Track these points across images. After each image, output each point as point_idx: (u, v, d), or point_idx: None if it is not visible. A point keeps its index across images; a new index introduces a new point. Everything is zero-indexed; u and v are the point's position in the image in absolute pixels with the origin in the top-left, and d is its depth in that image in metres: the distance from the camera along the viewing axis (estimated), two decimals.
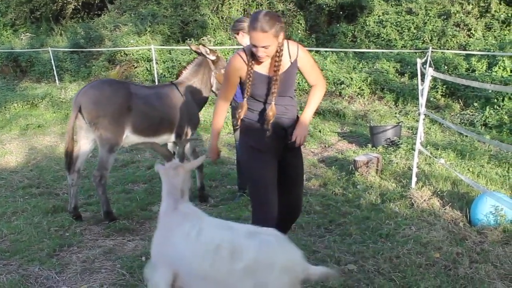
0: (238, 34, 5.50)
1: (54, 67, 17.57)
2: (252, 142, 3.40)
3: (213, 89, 5.99)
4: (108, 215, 5.30)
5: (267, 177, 3.45)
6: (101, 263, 4.36)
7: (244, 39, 5.48)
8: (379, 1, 17.02)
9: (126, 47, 17.40)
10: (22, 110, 13.54)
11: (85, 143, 5.42)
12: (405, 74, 13.60)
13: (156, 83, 14.49)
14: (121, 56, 17.64)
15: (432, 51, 12.74)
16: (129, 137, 5.35)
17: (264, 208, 3.41)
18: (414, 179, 6.03)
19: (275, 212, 3.43)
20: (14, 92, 16.01)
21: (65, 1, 22.57)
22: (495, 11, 15.00)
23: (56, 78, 17.40)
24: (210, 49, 5.86)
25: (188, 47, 16.29)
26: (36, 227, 5.18)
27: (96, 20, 21.43)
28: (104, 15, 21.96)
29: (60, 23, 23.21)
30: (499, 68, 11.92)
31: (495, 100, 10.83)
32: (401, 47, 15.22)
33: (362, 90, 13.17)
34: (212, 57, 5.86)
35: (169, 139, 5.72)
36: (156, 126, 5.48)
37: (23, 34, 22.95)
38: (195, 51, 5.94)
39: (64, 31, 22.09)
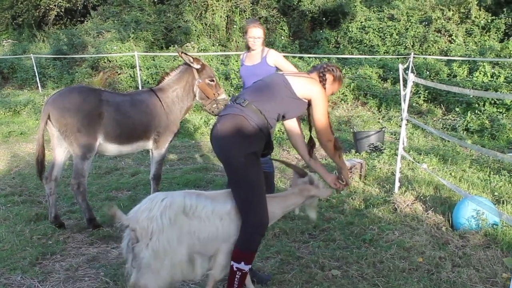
0: None
1: (36, 74, 17.46)
2: (256, 148, 3.38)
3: (197, 98, 5.75)
4: (91, 222, 5.25)
5: (263, 182, 3.48)
6: (84, 271, 4.32)
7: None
8: (362, 8, 17.19)
9: (110, 53, 17.31)
10: (4, 117, 13.43)
11: (60, 151, 5.36)
12: (388, 80, 13.72)
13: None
14: (105, 62, 17.55)
15: (414, 57, 12.88)
16: (103, 145, 5.27)
17: (265, 210, 3.41)
18: (397, 184, 6.09)
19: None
20: None
21: (48, 8, 22.42)
22: (475, 17, 15.24)
23: (39, 85, 17.27)
24: (193, 58, 5.64)
25: (172, 54, 16.38)
26: (18, 235, 5.12)
27: (79, 27, 21.33)
28: (87, 21, 21.86)
29: (43, 29, 23.05)
30: (480, 73, 12.10)
31: (476, 105, 10.98)
32: (384, 53, 15.37)
33: (346, 95, 13.23)
34: (196, 66, 5.62)
35: (145, 146, 5.60)
36: (130, 133, 5.36)
37: (5, 41, 22.76)
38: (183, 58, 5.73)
39: (47, 37, 21.94)
